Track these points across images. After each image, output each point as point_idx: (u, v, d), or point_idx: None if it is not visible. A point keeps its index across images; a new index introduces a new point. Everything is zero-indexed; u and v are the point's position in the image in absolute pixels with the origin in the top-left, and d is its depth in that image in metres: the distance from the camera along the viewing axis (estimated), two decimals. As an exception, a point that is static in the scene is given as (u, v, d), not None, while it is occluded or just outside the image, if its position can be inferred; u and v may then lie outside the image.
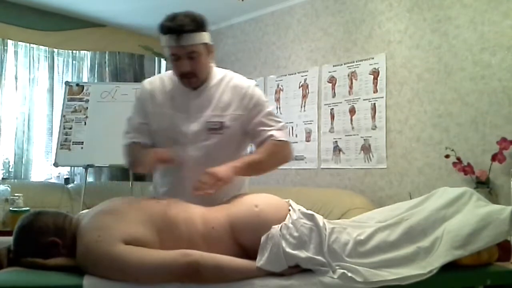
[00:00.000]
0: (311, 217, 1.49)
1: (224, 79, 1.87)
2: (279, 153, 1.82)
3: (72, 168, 4.72)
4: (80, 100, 4.09)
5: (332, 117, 3.78)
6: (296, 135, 3.99)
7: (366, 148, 3.56)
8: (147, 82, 1.92)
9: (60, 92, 4.52)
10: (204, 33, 1.74)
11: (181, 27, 1.68)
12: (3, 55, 4.32)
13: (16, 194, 2.97)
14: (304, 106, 3.96)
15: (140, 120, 1.86)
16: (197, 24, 1.71)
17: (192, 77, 1.77)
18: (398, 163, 3.37)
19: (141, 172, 1.83)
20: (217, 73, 1.88)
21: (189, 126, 1.79)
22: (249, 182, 1.96)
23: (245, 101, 1.83)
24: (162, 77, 1.92)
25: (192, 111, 1.81)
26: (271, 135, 1.79)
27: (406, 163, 3.32)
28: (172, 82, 1.86)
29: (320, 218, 1.49)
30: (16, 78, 4.40)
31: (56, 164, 3.99)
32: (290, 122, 4.00)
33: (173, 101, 1.83)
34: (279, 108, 4.15)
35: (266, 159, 1.77)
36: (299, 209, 1.54)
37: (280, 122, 1.87)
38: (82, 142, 3.95)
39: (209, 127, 1.79)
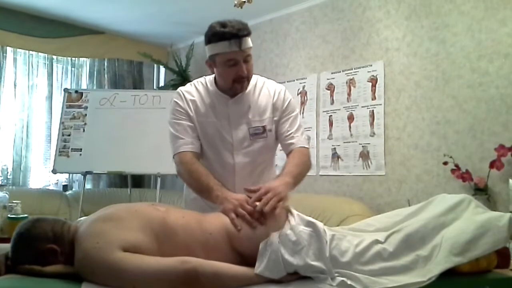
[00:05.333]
0: (310, 224, 1.48)
1: (257, 84, 1.91)
2: (307, 162, 1.85)
3: (71, 175, 4.72)
4: (79, 107, 4.10)
5: (331, 124, 3.78)
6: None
7: (364, 155, 3.56)
8: (186, 92, 1.89)
9: (59, 99, 4.53)
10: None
11: (240, 31, 1.71)
12: (2, 62, 4.33)
13: (14, 201, 2.96)
14: (303, 113, 3.96)
15: (190, 124, 1.84)
16: (248, 28, 1.76)
17: (245, 81, 1.80)
18: (396, 170, 3.37)
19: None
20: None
21: (232, 133, 1.84)
22: None
23: (278, 104, 1.89)
24: (195, 86, 1.91)
25: (233, 118, 1.85)
26: (298, 141, 1.84)
27: (404, 170, 3.33)
28: (207, 91, 1.88)
29: (320, 225, 1.49)
30: (15, 85, 4.41)
31: (54, 171, 3.98)
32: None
33: (214, 110, 1.85)
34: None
35: (303, 169, 1.79)
36: (298, 215, 1.53)
37: (302, 126, 1.92)
38: (81, 149, 3.96)
39: (252, 133, 1.84)
